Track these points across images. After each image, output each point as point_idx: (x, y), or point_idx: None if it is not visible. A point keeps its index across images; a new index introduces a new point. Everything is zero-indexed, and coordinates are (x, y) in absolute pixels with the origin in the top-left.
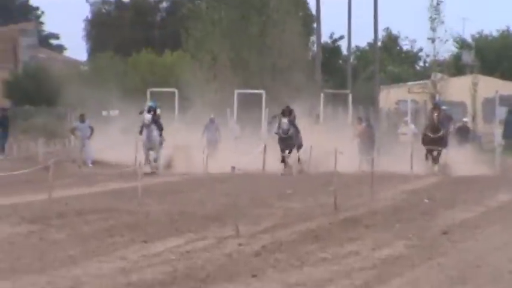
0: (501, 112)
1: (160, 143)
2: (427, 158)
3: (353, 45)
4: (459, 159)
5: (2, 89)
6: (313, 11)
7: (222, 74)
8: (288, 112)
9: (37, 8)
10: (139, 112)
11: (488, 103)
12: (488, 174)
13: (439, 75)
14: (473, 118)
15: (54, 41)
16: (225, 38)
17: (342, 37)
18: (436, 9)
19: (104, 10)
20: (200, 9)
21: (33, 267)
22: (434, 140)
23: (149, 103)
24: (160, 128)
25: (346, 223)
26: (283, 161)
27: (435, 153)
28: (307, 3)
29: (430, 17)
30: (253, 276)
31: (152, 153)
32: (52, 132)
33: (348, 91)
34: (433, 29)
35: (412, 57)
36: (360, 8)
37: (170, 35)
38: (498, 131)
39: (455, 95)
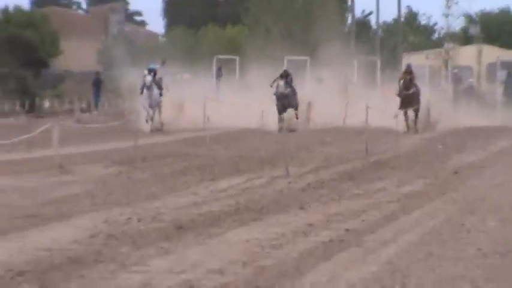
0: (502, 74)
1: (160, 103)
2: (404, 115)
3: (380, 20)
4: (467, 112)
5: (96, 56)
6: None
7: (274, 44)
8: (285, 75)
9: None
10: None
11: (491, 67)
12: (491, 125)
13: (451, 44)
14: (478, 79)
15: (137, 17)
16: (276, 14)
17: (371, 13)
18: None
19: None
20: None
21: (121, 201)
22: (408, 96)
23: (150, 65)
24: (159, 88)
25: (375, 165)
26: (280, 119)
27: (409, 110)
28: None
29: None
30: (300, 208)
31: (151, 111)
32: (136, 92)
33: (377, 58)
34: (448, 7)
35: (428, 30)
36: None
37: (232, 12)
38: (499, 90)
39: (463, 60)
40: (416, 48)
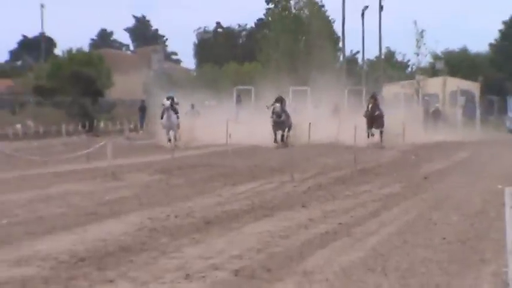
0: (461, 100)
1: (178, 125)
2: (368, 133)
3: (365, 57)
4: (435, 130)
5: (141, 87)
6: (339, 34)
7: (282, 77)
8: (280, 100)
9: (163, 36)
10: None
11: (453, 94)
12: (453, 140)
13: (421, 76)
14: (443, 104)
15: (174, 56)
16: (284, 53)
17: (358, 52)
18: (420, 34)
19: (206, 36)
20: (268, 34)
21: (162, 202)
22: (373, 117)
23: (168, 93)
24: (176, 112)
25: (362, 172)
26: (275, 140)
27: (374, 130)
28: (334, 31)
29: (416, 40)
30: (303, 206)
31: (171, 133)
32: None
33: (362, 87)
34: (418, 47)
35: (403, 65)
36: (369, 34)
37: (248, 52)
38: (459, 112)
39: (431, 89)
40: (393, 79)
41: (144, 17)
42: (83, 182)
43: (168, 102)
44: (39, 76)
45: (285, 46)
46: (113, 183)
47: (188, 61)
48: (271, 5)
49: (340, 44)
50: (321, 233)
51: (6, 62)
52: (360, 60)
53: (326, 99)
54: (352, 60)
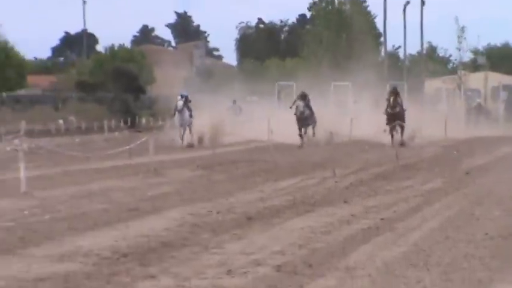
0: (503, 95)
1: (191, 123)
2: (390, 131)
3: (407, 52)
4: (476, 125)
5: (183, 83)
6: (381, 29)
7: (323, 72)
8: (303, 96)
9: (205, 32)
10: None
11: (495, 89)
12: (495, 135)
13: (463, 72)
14: (485, 99)
15: (216, 52)
16: (326, 49)
17: (399, 47)
18: (461, 30)
19: (247, 32)
20: (311, 30)
21: (203, 197)
22: (393, 115)
23: (181, 92)
24: (190, 110)
25: (404, 167)
26: (300, 135)
27: (397, 127)
28: (376, 27)
29: (458, 36)
30: (345, 202)
31: (184, 131)
32: (215, 112)
33: (404, 82)
34: (459, 43)
35: (445, 60)
36: (411, 29)
37: (290, 47)
38: (501, 107)
39: (473, 84)
40: (435, 74)
41: (185, 12)
42: (125, 178)
43: (181, 101)
44: (82, 72)
45: (327, 41)
46: (155, 179)
47: (230, 57)
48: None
49: (382, 39)
50: (363, 228)
51: (49, 58)
52: (401, 55)
53: (367, 94)
54: (393, 55)
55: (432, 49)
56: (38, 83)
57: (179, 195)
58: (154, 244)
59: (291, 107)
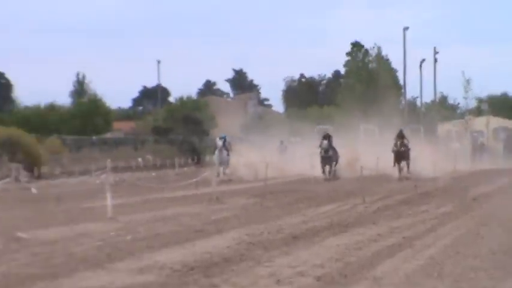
0: (503, 135)
1: (228, 160)
2: (395, 165)
3: (423, 101)
4: (481, 160)
5: (239, 128)
6: (402, 82)
7: (355, 117)
8: (327, 137)
9: (257, 85)
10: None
11: (495, 131)
12: (496, 169)
13: (469, 116)
14: (487, 139)
15: (266, 102)
16: (357, 98)
17: (417, 97)
18: (467, 82)
19: (292, 84)
20: (345, 82)
21: (257, 220)
22: (400, 153)
23: (221, 134)
24: (227, 150)
25: (421, 195)
26: (323, 172)
27: (402, 163)
28: (397, 80)
29: (464, 87)
30: (373, 223)
31: (222, 168)
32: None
33: (420, 126)
34: (466, 92)
35: (454, 107)
36: (426, 81)
37: (327, 97)
38: (500, 145)
39: (477, 126)
40: (446, 119)
41: (241, 69)
42: (192, 205)
43: (220, 142)
44: (157, 119)
45: (358, 92)
46: (217, 206)
47: (278, 105)
48: (348, 58)
49: (402, 90)
50: (388, 245)
51: (130, 107)
52: (418, 103)
53: (390, 135)
54: (412, 103)
55: (443, 98)
56: (121, 128)
57: (237, 219)
58: (216, 259)
59: (318, 147)
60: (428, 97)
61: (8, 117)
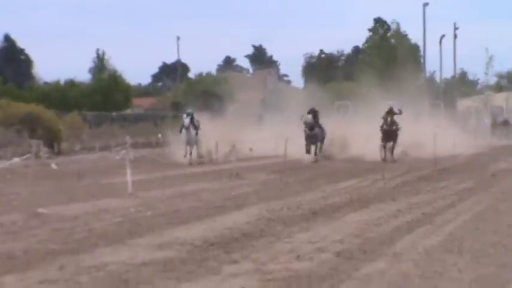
0: None
1: (196, 140)
2: (383, 147)
3: (442, 76)
4: (501, 136)
5: (259, 104)
6: (421, 58)
7: (374, 93)
8: (312, 112)
9: (277, 61)
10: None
11: None
12: None
13: (489, 92)
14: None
15: (285, 78)
16: (376, 74)
17: (435, 71)
18: (490, 58)
19: (311, 60)
20: (364, 58)
21: (277, 196)
22: (390, 131)
23: (188, 110)
24: (196, 128)
25: (441, 171)
26: (308, 152)
27: (389, 143)
28: (417, 55)
29: (486, 63)
30: (392, 200)
31: (189, 148)
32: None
33: (440, 101)
34: (487, 68)
35: (474, 83)
36: (446, 57)
37: (347, 72)
38: None
39: (496, 102)
40: (466, 95)
41: (261, 45)
42: (212, 181)
43: (187, 120)
44: (176, 95)
45: (377, 67)
46: (237, 182)
47: (297, 81)
48: (370, 34)
49: (422, 66)
50: (407, 221)
51: (150, 84)
52: (438, 78)
53: (409, 111)
54: (431, 79)
55: (463, 74)
56: (141, 104)
57: (257, 194)
58: (236, 235)
59: (301, 119)
60: (448, 73)
61: (28, 94)
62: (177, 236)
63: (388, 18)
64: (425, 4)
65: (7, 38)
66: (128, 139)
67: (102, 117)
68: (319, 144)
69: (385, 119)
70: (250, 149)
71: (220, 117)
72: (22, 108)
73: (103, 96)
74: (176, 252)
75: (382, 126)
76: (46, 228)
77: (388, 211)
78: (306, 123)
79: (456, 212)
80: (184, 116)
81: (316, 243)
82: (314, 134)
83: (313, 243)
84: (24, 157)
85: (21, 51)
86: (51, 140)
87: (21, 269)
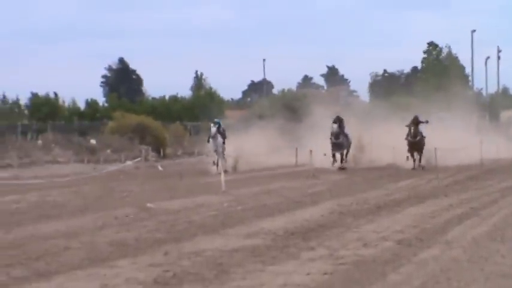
0: None
1: (223, 149)
2: (409, 157)
3: (488, 92)
4: None
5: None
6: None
7: (431, 105)
8: (338, 121)
9: (347, 79)
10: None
11: None
12: None
13: None
14: None
15: (354, 93)
16: (432, 88)
17: (481, 88)
18: None
19: (376, 78)
20: (421, 76)
21: (346, 194)
22: (414, 143)
23: (215, 119)
24: (223, 137)
25: (486, 172)
26: (334, 159)
27: (415, 153)
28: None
29: None
30: (445, 196)
31: (216, 156)
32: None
33: (486, 113)
34: None
35: None
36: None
37: (407, 88)
38: None
39: None
40: (507, 107)
41: (333, 66)
42: (292, 180)
43: (214, 128)
44: (262, 108)
45: (433, 84)
46: (313, 181)
47: (364, 96)
48: (425, 55)
49: (470, 83)
50: (457, 214)
51: (240, 98)
52: (484, 93)
53: (459, 122)
54: (478, 94)
55: (505, 89)
56: (232, 116)
57: (329, 192)
58: (313, 226)
59: (330, 138)
60: (492, 88)
61: (138, 107)
62: (263, 226)
63: (440, 41)
64: (473, 31)
65: (121, 61)
66: (221, 144)
67: (200, 127)
68: (345, 151)
69: (409, 128)
70: (324, 154)
71: (300, 127)
72: (134, 119)
73: (201, 109)
74: (262, 240)
75: (407, 137)
76: (153, 220)
77: (441, 205)
78: (332, 133)
79: (499, 207)
80: (212, 125)
81: (380, 233)
82: (339, 142)
83: (377, 233)
84: (135, 160)
85: (133, 71)
86: (158, 146)
87: (133, 254)
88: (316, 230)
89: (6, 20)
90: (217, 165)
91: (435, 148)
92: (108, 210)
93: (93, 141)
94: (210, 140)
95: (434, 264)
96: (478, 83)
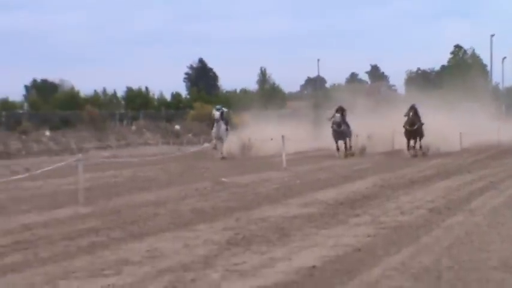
0: None
1: (227, 135)
2: (408, 145)
3: (504, 85)
4: None
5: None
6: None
7: (457, 96)
8: (340, 110)
9: (387, 75)
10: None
11: None
12: None
13: None
14: None
15: (393, 87)
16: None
17: (499, 82)
18: None
19: (411, 75)
20: (448, 73)
21: (387, 170)
22: (412, 131)
23: (217, 106)
24: (226, 123)
25: (503, 152)
26: (337, 148)
27: (412, 142)
28: (486, 71)
29: None
30: (468, 172)
31: (219, 142)
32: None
33: (503, 104)
34: None
35: None
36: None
37: (437, 83)
38: None
39: None
40: None
41: (376, 64)
42: (346, 159)
43: (218, 113)
44: (316, 99)
45: (458, 80)
46: (360, 160)
47: (401, 90)
48: (451, 55)
49: (489, 79)
50: (479, 187)
51: (298, 91)
52: (500, 87)
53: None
54: (496, 87)
55: None
56: (291, 106)
57: (373, 169)
58: (358, 197)
59: (329, 119)
60: (508, 83)
61: (214, 99)
62: (317, 197)
63: (464, 44)
64: (492, 35)
65: (201, 61)
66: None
67: (265, 116)
68: (347, 140)
69: (407, 116)
70: (368, 136)
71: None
72: (210, 109)
73: (266, 100)
74: (316, 209)
75: (405, 125)
76: (226, 192)
77: (465, 180)
78: (333, 121)
79: None
80: (214, 110)
81: (414, 203)
82: (341, 131)
83: (412, 203)
84: (212, 142)
85: (210, 69)
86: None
87: (210, 220)
88: (361, 200)
89: (108, 27)
90: (216, 148)
91: (460, 133)
92: (190, 183)
93: (177, 127)
94: (214, 125)
95: (460, 229)
96: (496, 77)
